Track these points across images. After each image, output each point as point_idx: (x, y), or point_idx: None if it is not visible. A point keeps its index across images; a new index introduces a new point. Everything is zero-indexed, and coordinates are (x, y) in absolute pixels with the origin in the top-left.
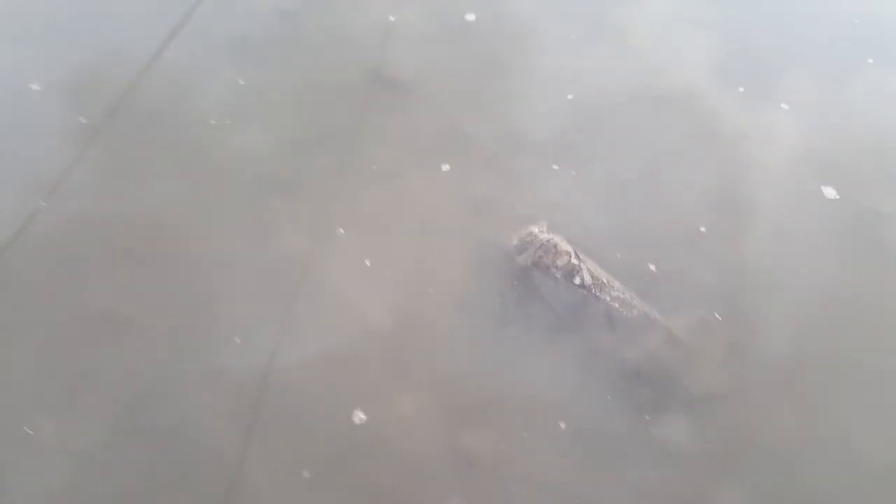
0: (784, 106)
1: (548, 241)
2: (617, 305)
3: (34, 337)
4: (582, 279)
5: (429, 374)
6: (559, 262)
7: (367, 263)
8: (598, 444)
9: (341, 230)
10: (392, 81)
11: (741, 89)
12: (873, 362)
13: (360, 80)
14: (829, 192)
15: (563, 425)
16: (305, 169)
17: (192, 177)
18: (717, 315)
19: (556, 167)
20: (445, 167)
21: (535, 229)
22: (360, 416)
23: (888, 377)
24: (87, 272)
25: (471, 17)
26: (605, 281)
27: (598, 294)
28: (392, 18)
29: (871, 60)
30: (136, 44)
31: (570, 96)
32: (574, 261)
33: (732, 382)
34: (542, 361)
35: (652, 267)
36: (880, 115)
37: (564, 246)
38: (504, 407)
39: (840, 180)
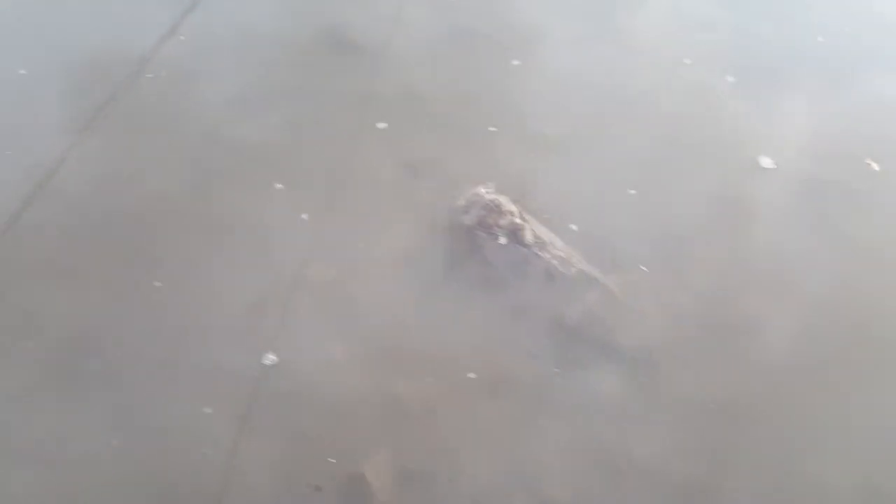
0: (729, 78)
1: (492, 200)
2: (556, 263)
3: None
4: (524, 237)
5: (361, 324)
6: (503, 222)
7: (304, 217)
8: (518, 395)
9: (279, 185)
10: (351, 44)
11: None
12: (799, 318)
13: (320, 40)
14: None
15: (472, 375)
16: (250, 126)
17: (132, 132)
18: (646, 269)
19: (494, 129)
20: (382, 125)
21: (482, 189)
22: (270, 358)
23: (811, 329)
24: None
25: None
26: (547, 240)
27: (539, 252)
28: None
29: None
30: None
31: (515, 62)
32: (517, 220)
33: (665, 339)
34: (478, 316)
35: (577, 227)
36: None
37: (509, 206)
38: (435, 358)
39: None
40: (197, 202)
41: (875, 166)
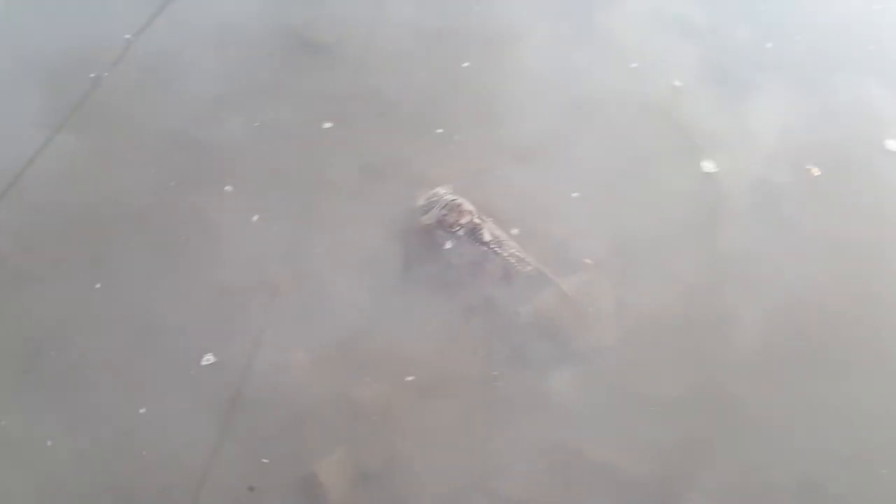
0: (677, 83)
1: (452, 200)
2: (513, 262)
3: None
4: (482, 236)
5: (317, 326)
6: (462, 221)
7: (254, 219)
8: (473, 395)
9: (229, 187)
10: (315, 44)
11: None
12: (751, 313)
13: (284, 40)
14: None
15: (428, 376)
16: (210, 126)
17: (100, 130)
18: (590, 261)
19: (449, 132)
20: (328, 124)
21: (441, 190)
22: (208, 359)
23: (763, 328)
24: None
25: None
26: (504, 239)
27: (496, 250)
28: None
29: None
30: None
31: (465, 63)
32: (476, 220)
33: (616, 338)
34: (436, 316)
35: (531, 229)
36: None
37: (468, 206)
38: (391, 359)
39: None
40: (154, 204)
41: (815, 171)
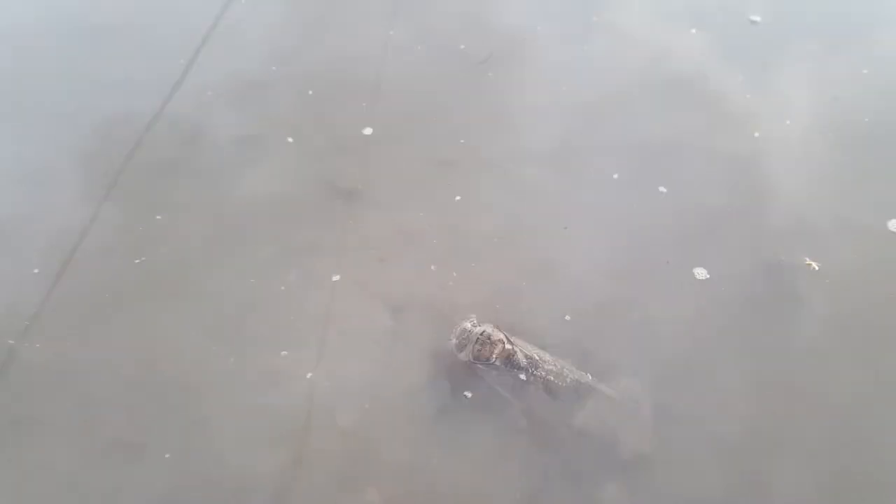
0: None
1: (481, 334)
2: (552, 378)
3: None
4: (518, 362)
5: (385, 465)
6: (496, 352)
7: (309, 377)
8: None
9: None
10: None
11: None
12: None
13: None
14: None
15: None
16: (267, 286)
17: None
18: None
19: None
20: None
21: (468, 325)
22: None
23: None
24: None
25: None
26: (538, 357)
27: (534, 371)
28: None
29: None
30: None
31: (457, 198)
32: (508, 346)
33: (659, 440)
34: (491, 442)
35: (557, 339)
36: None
37: (497, 335)
38: (463, 491)
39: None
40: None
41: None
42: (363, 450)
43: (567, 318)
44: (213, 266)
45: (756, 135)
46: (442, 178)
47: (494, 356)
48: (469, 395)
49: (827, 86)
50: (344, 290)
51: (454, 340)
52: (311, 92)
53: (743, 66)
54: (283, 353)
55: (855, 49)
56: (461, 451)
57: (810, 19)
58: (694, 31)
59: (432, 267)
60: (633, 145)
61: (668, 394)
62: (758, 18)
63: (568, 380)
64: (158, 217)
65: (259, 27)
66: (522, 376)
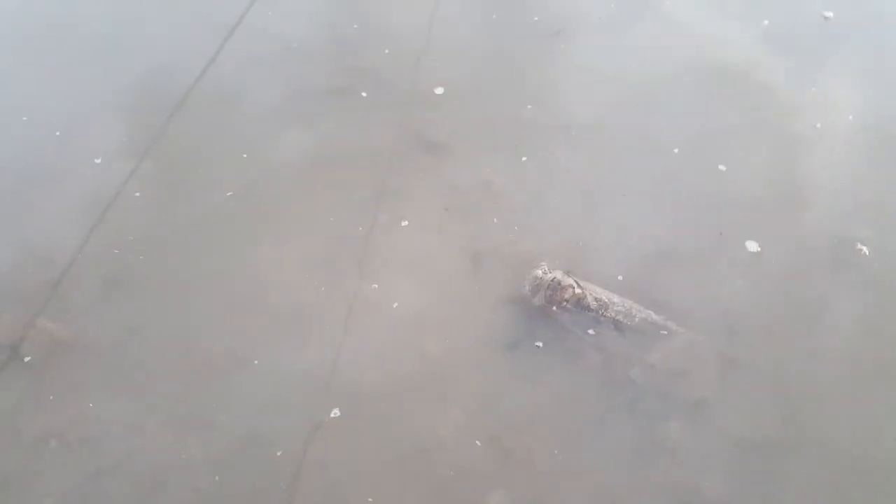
0: None
1: (552, 280)
2: (621, 318)
3: None
4: (588, 304)
5: (468, 395)
6: (566, 296)
7: (395, 306)
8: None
9: (375, 285)
10: (431, 143)
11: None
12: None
13: (404, 142)
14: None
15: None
16: (343, 224)
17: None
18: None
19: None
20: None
21: (539, 272)
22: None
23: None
24: None
25: None
26: (606, 299)
27: (603, 313)
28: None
29: None
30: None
31: (524, 158)
32: (578, 290)
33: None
34: (571, 377)
35: (623, 279)
36: None
37: (567, 280)
38: (536, 419)
39: None
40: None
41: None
42: (444, 375)
43: (631, 269)
44: (305, 202)
45: (818, 125)
46: (513, 139)
47: (566, 299)
48: (542, 336)
49: (893, 85)
50: (426, 237)
51: (527, 287)
52: (386, 51)
53: (811, 61)
54: (374, 286)
55: None
56: (536, 384)
57: (886, 20)
58: (766, 22)
59: (505, 220)
60: (696, 125)
61: (727, 341)
62: (830, 14)
63: (637, 319)
64: (245, 155)
65: None
66: (593, 316)
